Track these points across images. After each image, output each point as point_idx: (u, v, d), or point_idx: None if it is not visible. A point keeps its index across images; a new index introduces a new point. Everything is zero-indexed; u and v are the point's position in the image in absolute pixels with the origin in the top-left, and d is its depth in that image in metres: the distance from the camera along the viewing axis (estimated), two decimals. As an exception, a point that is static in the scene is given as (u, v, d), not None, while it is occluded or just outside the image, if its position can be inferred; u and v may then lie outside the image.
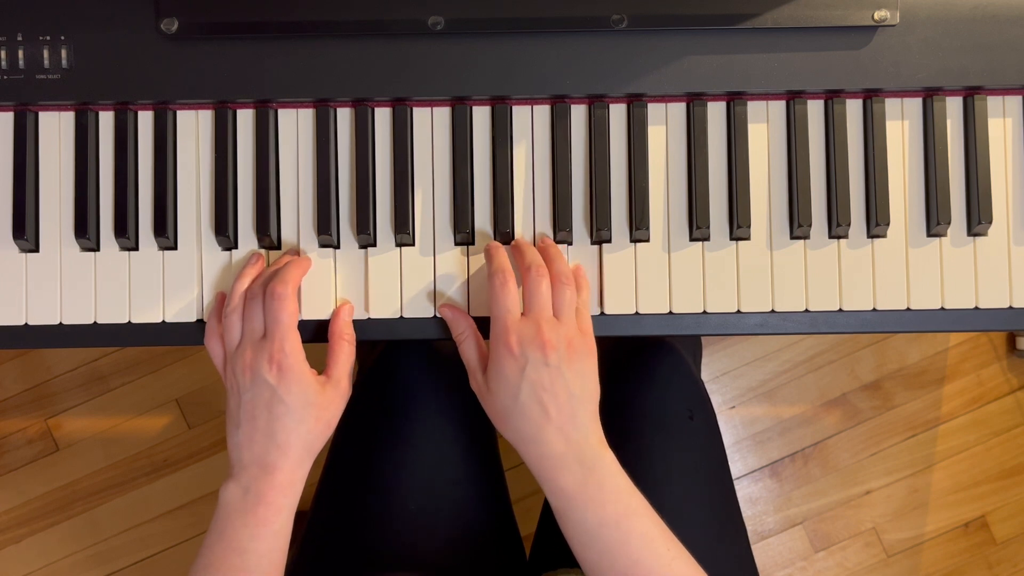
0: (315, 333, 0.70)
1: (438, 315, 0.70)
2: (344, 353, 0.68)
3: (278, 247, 0.71)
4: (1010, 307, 0.70)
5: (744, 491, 1.52)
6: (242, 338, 0.66)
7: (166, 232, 0.70)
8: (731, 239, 0.70)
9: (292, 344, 0.65)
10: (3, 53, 0.69)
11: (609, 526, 0.62)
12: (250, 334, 0.65)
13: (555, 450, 0.63)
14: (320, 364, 0.68)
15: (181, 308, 0.70)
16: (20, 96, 0.69)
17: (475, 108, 0.71)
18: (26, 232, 0.69)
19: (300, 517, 0.71)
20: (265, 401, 0.64)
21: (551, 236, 0.70)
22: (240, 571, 0.62)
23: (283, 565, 0.65)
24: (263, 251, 0.71)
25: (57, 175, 0.71)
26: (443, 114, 0.71)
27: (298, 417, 0.64)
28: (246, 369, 0.64)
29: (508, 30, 0.69)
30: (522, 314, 0.65)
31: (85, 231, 0.70)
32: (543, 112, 0.71)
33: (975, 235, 0.70)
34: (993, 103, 0.71)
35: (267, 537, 0.63)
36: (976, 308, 0.70)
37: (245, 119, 0.71)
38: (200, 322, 0.70)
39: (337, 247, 0.71)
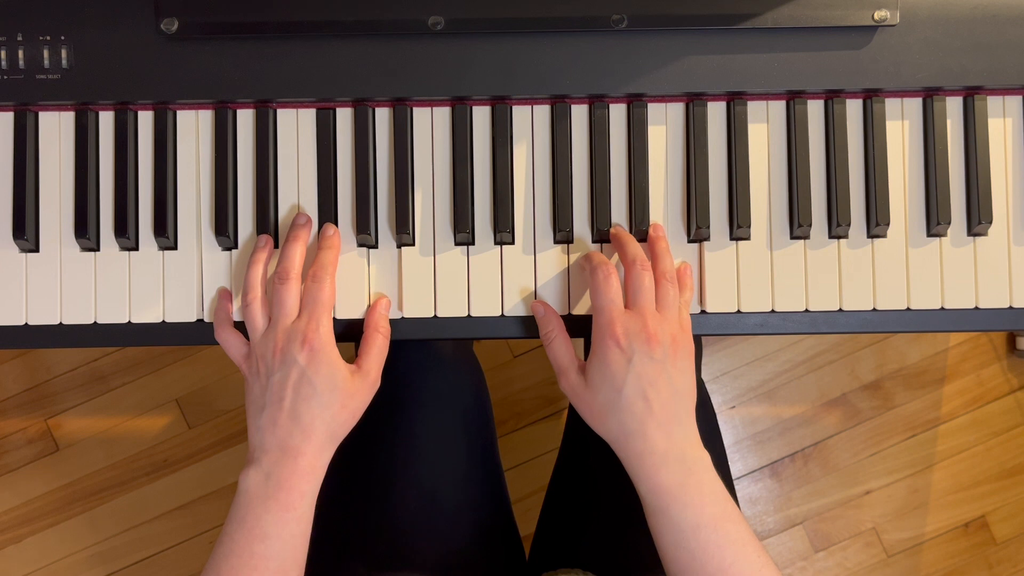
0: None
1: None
2: (377, 345, 0.68)
3: (277, 246, 0.71)
4: (1010, 307, 0.70)
5: (744, 491, 1.52)
6: (270, 323, 0.66)
7: (166, 232, 0.70)
8: (731, 239, 0.70)
9: (326, 327, 0.65)
10: (3, 53, 0.69)
11: (706, 528, 0.61)
12: (281, 318, 0.66)
13: (657, 447, 0.63)
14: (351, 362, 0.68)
15: (181, 308, 0.70)
16: (20, 96, 0.69)
17: (475, 108, 0.71)
18: (26, 232, 0.69)
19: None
20: (293, 382, 0.64)
21: (552, 237, 0.70)
22: (263, 558, 0.61)
23: (305, 553, 0.64)
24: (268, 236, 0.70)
25: (57, 175, 0.71)
26: (443, 114, 0.71)
27: (324, 401, 0.64)
28: (277, 351, 0.64)
29: (508, 30, 0.69)
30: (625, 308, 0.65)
31: (85, 231, 0.70)
32: (543, 112, 0.71)
33: (975, 235, 0.70)
34: (993, 103, 0.71)
35: (290, 522, 0.62)
36: (976, 308, 0.70)
37: (245, 119, 0.71)
38: (200, 322, 0.70)
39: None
